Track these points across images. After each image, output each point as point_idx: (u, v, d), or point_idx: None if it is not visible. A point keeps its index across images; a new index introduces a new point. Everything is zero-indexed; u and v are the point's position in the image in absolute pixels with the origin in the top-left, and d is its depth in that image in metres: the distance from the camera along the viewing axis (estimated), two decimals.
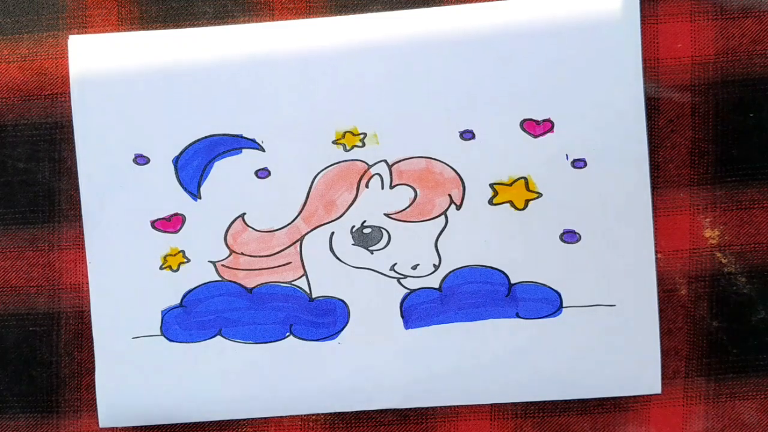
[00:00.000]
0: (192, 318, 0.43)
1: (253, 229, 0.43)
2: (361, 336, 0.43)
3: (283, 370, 0.43)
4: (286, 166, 0.43)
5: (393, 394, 0.44)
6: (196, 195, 0.43)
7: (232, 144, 0.43)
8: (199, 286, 0.43)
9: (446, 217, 0.43)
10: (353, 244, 0.43)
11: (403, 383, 0.43)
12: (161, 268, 0.43)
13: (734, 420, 0.44)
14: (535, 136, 0.43)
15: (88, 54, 0.43)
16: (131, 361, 0.43)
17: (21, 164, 0.44)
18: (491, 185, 0.43)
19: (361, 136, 0.43)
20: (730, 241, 0.43)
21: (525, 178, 0.43)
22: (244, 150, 0.43)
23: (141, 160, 0.43)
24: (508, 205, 0.43)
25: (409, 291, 0.43)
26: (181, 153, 0.43)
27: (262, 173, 0.43)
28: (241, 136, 0.43)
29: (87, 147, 0.43)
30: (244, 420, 0.44)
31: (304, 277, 0.43)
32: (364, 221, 0.43)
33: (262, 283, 0.43)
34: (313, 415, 0.44)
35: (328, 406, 0.44)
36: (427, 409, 0.44)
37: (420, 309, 0.43)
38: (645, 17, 0.43)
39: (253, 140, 0.43)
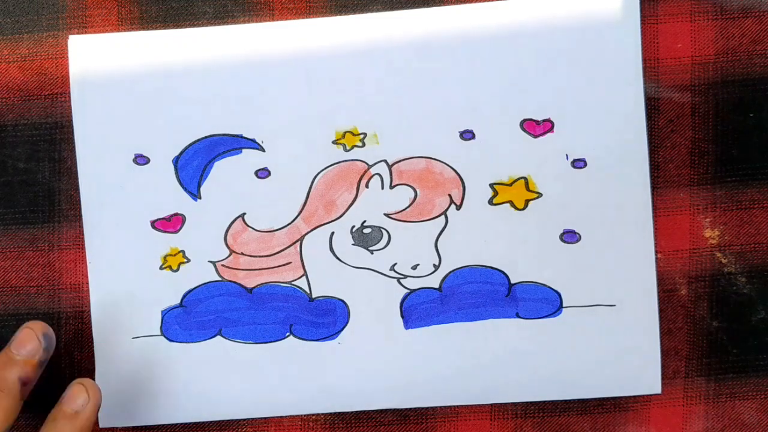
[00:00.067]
0: (192, 318, 0.43)
1: (253, 229, 0.43)
2: (361, 336, 0.43)
3: (283, 370, 0.43)
4: (286, 166, 0.43)
5: (393, 394, 0.44)
6: (196, 195, 0.43)
7: (232, 144, 0.43)
8: (199, 286, 0.43)
9: (446, 217, 0.43)
10: (353, 244, 0.43)
11: (403, 383, 0.43)
12: (161, 268, 0.43)
13: (734, 420, 0.44)
14: (535, 136, 0.43)
15: (88, 54, 0.43)
16: (131, 361, 0.43)
17: (21, 164, 0.44)
18: (491, 185, 0.43)
19: (361, 136, 0.43)
20: (730, 241, 0.43)
21: (525, 178, 0.43)
22: (244, 150, 0.43)
23: (141, 160, 0.43)
24: (508, 205, 0.43)
25: (409, 291, 0.43)
26: (181, 153, 0.43)
27: (262, 173, 0.43)
28: (241, 136, 0.43)
29: (87, 147, 0.43)
30: (244, 420, 0.44)
31: (304, 277, 0.43)
32: (364, 221, 0.43)
33: (262, 283, 0.43)
34: (313, 415, 0.44)
35: (328, 406, 0.44)
36: (427, 409, 0.44)
37: (420, 309, 0.43)
38: (645, 17, 0.43)
39: (253, 140, 0.43)
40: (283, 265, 0.43)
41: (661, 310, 0.43)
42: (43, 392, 0.43)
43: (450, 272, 0.43)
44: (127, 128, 0.43)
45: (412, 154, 0.43)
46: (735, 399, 0.44)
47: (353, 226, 0.43)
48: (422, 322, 0.43)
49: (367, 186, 0.43)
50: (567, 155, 0.43)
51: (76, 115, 0.43)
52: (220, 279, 0.43)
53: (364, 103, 0.43)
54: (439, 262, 0.43)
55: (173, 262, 0.43)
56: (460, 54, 0.43)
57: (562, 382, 0.43)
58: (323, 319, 0.43)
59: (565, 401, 0.44)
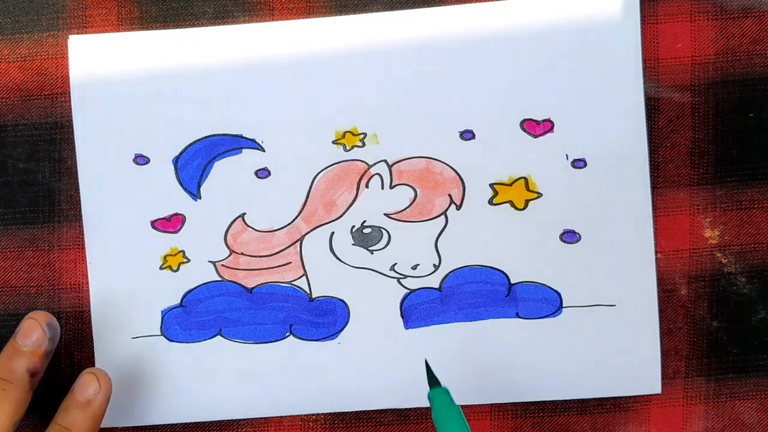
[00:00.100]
0: (192, 318, 0.43)
1: (253, 229, 0.43)
2: (361, 336, 0.43)
3: (283, 370, 0.43)
4: (286, 166, 0.43)
5: (393, 394, 0.44)
6: (196, 195, 0.43)
7: (232, 144, 0.43)
8: (199, 286, 0.43)
9: (446, 217, 0.43)
10: (353, 244, 0.43)
11: (403, 383, 0.43)
12: (161, 268, 0.43)
13: (734, 420, 0.44)
14: (535, 136, 0.43)
15: (88, 54, 0.43)
16: (131, 361, 0.43)
17: (21, 164, 0.44)
18: (491, 185, 0.43)
19: (361, 136, 0.43)
20: (730, 241, 0.43)
21: (525, 178, 0.43)
22: (244, 150, 0.43)
23: (141, 160, 0.43)
24: (508, 205, 0.43)
25: (409, 291, 0.43)
26: (181, 153, 0.43)
27: (262, 173, 0.43)
28: (241, 136, 0.43)
29: (87, 147, 0.43)
30: (244, 420, 0.44)
31: (304, 277, 0.43)
32: (364, 221, 0.43)
33: (262, 283, 0.43)
34: (313, 415, 0.44)
35: (328, 406, 0.44)
36: (427, 409, 0.44)
37: (420, 309, 0.43)
38: (645, 17, 0.43)
39: (253, 140, 0.43)
40: (283, 265, 0.43)
41: (661, 310, 0.43)
42: (44, 392, 0.43)
43: (450, 272, 0.43)
44: (127, 128, 0.43)
45: (412, 154, 0.43)
46: (735, 399, 0.44)
47: (353, 226, 0.43)
48: (422, 322, 0.43)
49: (367, 186, 0.43)
50: (567, 155, 0.43)
51: (76, 115, 0.43)
52: (220, 279, 0.43)
53: (364, 103, 0.43)
54: (439, 262, 0.43)
55: (173, 262, 0.43)
56: (460, 54, 0.43)
57: (562, 382, 0.43)
58: (323, 319, 0.43)
59: (565, 401, 0.44)
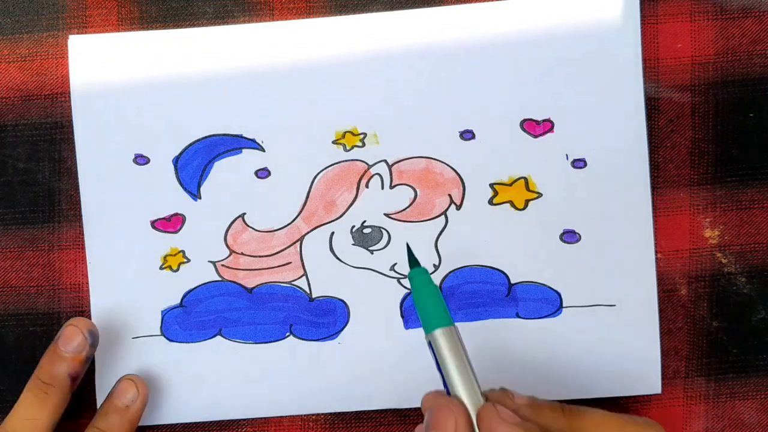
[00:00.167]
0: (192, 318, 0.43)
1: (253, 229, 0.43)
2: (361, 336, 0.43)
3: (283, 370, 0.43)
4: (286, 166, 0.43)
5: (393, 394, 0.43)
6: (196, 195, 0.43)
7: (232, 144, 0.43)
8: (199, 286, 0.43)
9: (446, 217, 0.43)
10: (353, 244, 0.43)
11: (403, 383, 0.43)
12: (161, 268, 0.43)
13: (734, 420, 0.44)
14: (535, 136, 0.43)
15: (88, 54, 0.43)
16: (131, 361, 0.43)
17: (21, 164, 0.44)
18: (491, 185, 0.43)
19: (361, 136, 0.43)
20: (730, 241, 0.43)
21: (525, 178, 0.43)
22: (244, 150, 0.43)
23: (141, 160, 0.43)
24: (508, 205, 0.43)
25: (409, 291, 0.43)
26: (181, 153, 0.43)
27: (262, 173, 0.43)
28: (241, 136, 0.43)
29: (87, 147, 0.43)
30: (244, 420, 0.44)
31: (304, 277, 0.43)
32: (364, 221, 0.43)
33: (262, 283, 0.43)
34: (313, 415, 0.44)
35: (328, 406, 0.44)
36: None
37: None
38: (645, 17, 0.43)
39: (253, 140, 0.43)
40: (283, 265, 0.43)
41: (661, 310, 0.43)
42: None
43: (450, 272, 0.43)
44: (127, 128, 0.43)
45: (412, 154, 0.43)
46: (735, 399, 0.44)
47: (353, 226, 0.43)
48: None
49: (367, 186, 0.43)
50: (567, 155, 0.43)
51: (76, 115, 0.43)
52: (220, 279, 0.43)
53: (364, 103, 0.43)
54: (439, 262, 0.43)
55: (173, 262, 0.43)
56: (460, 54, 0.43)
57: (562, 382, 0.43)
58: (323, 319, 0.43)
59: (565, 401, 0.44)
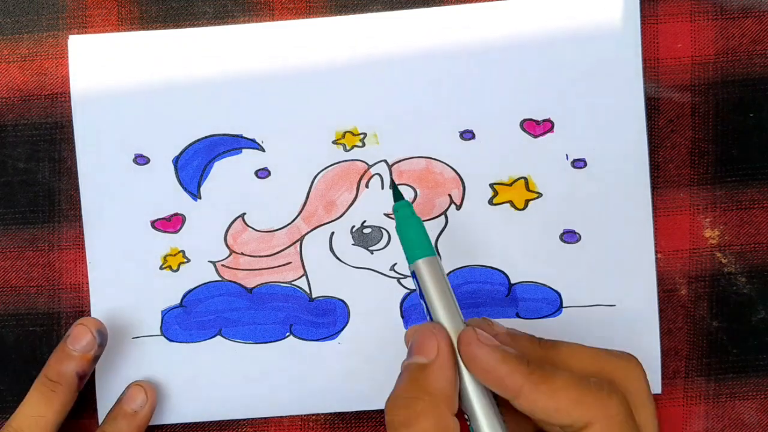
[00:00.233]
0: (192, 318, 0.43)
1: (253, 229, 0.43)
2: (361, 336, 0.43)
3: (283, 370, 0.43)
4: (286, 166, 0.43)
5: None
6: (196, 195, 0.43)
7: (232, 144, 0.43)
8: (199, 286, 0.43)
9: (446, 217, 0.43)
10: (353, 244, 0.43)
11: None
12: (161, 268, 0.43)
13: (734, 420, 0.44)
14: (535, 136, 0.43)
15: (88, 54, 0.43)
16: (131, 361, 0.43)
17: (21, 164, 0.44)
18: (491, 185, 0.43)
19: (361, 136, 0.43)
20: (730, 241, 0.43)
21: (525, 178, 0.43)
22: (244, 150, 0.43)
23: (141, 160, 0.43)
24: (508, 205, 0.43)
25: (409, 291, 0.43)
26: (181, 153, 0.43)
27: (262, 173, 0.43)
28: (241, 136, 0.43)
29: (87, 147, 0.43)
30: (244, 420, 0.44)
31: (304, 277, 0.43)
32: (364, 221, 0.43)
33: (262, 283, 0.43)
34: (313, 415, 0.44)
35: (328, 406, 0.44)
36: None
37: (420, 309, 0.43)
38: (645, 17, 0.43)
39: (253, 140, 0.43)
40: (283, 265, 0.43)
41: (661, 310, 0.43)
42: None
43: (450, 272, 0.43)
44: (127, 128, 0.43)
45: (412, 154, 0.43)
46: (735, 399, 0.44)
47: (353, 226, 0.43)
48: (422, 322, 0.43)
49: (367, 186, 0.43)
50: (567, 155, 0.43)
51: (76, 115, 0.43)
52: (220, 279, 0.43)
53: (364, 103, 0.43)
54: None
55: (173, 262, 0.43)
56: (460, 54, 0.43)
57: None
58: (323, 319, 0.43)
59: None
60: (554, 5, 0.42)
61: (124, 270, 0.43)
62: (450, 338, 0.33)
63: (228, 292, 0.43)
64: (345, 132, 0.43)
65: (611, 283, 0.43)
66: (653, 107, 0.43)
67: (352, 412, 0.44)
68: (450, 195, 0.43)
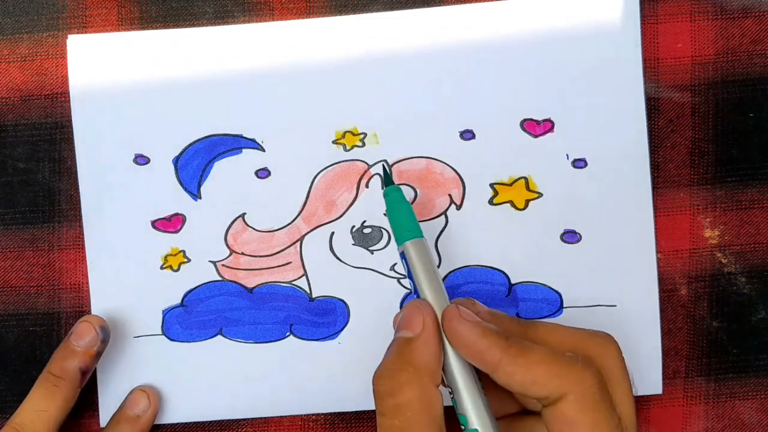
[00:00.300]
0: (193, 317, 0.43)
1: (253, 229, 0.43)
2: (361, 336, 0.43)
3: (284, 369, 0.43)
4: (286, 166, 0.43)
5: None
6: (196, 195, 0.43)
7: (232, 144, 0.43)
8: (200, 285, 0.44)
9: (446, 217, 0.43)
10: (353, 244, 0.43)
11: None
12: (162, 267, 0.43)
13: (734, 420, 0.44)
14: (535, 136, 0.43)
15: (88, 54, 0.43)
16: (132, 361, 0.43)
17: (21, 164, 0.44)
18: (491, 185, 0.43)
19: (361, 136, 0.43)
20: (730, 241, 0.43)
21: (525, 178, 0.43)
22: (244, 150, 0.43)
23: (141, 160, 0.43)
24: (508, 205, 0.43)
25: (409, 291, 0.43)
26: (181, 153, 0.43)
27: (262, 173, 0.43)
28: (241, 136, 0.43)
29: (87, 147, 0.43)
30: (244, 420, 0.44)
31: (304, 277, 0.43)
32: (364, 221, 0.43)
33: (262, 283, 0.43)
34: (313, 415, 0.44)
35: (328, 406, 0.44)
36: None
37: None
38: (645, 17, 0.43)
39: (253, 140, 0.43)
40: (284, 264, 0.43)
41: (661, 310, 0.43)
42: None
43: (450, 272, 0.43)
44: (127, 128, 0.43)
45: (412, 154, 0.43)
46: (735, 399, 0.44)
47: (353, 226, 0.43)
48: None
49: (367, 186, 0.43)
50: (567, 155, 0.43)
51: (76, 115, 0.43)
52: (220, 279, 0.43)
53: (364, 103, 0.43)
54: (439, 262, 0.43)
55: (174, 261, 0.43)
56: (460, 54, 0.43)
57: None
58: (323, 319, 0.43)
59: None
60: (554, 5, 0.42)
61: (124, 270, 0.43)
62: (435, 314, 0.35)
63: (228, 292, 0.43)
64: (345, 132, 0.43)
65: (612, 284, 0.43)
66: (653, 107, 0.43)
67: (352, 412, 0.44)
68: (450, 195, 0.43)
